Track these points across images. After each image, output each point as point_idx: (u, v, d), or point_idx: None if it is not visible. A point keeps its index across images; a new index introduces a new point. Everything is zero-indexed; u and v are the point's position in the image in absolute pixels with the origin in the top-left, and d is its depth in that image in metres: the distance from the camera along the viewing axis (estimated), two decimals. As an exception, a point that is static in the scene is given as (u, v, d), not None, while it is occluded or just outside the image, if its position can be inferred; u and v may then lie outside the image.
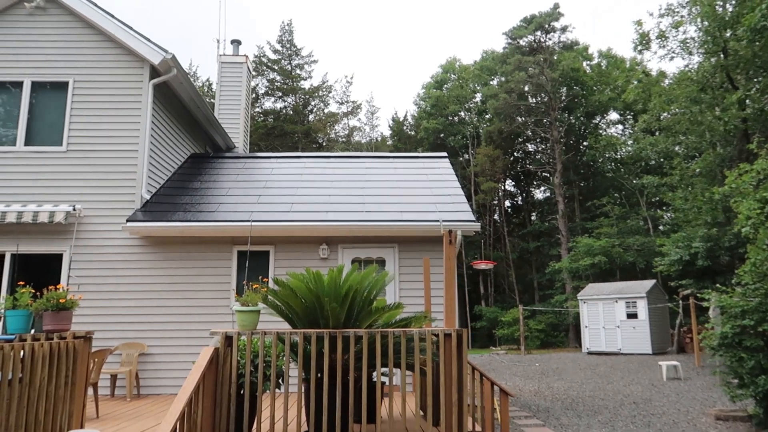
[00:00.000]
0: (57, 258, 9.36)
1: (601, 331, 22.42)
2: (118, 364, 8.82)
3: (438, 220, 9.22)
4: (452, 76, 43.69)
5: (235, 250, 9.43)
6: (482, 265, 17.21)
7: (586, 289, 24.59)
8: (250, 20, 62.03)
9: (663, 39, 19.69)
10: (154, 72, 10.05)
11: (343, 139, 42.04)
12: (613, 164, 37.65)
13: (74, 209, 9.19)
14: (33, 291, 5.20)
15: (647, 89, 20.90)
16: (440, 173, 12.09)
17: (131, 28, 9.94)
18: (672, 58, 20.02)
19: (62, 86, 9.94)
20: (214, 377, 4.73)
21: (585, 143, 38.47)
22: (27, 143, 9.71)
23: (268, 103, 39.65)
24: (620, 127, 40.55)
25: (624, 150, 36.69)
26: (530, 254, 37.80)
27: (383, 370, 4.96)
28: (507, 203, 42.76)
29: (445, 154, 13.58)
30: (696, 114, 18.95)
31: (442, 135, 40.77)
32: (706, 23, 17.92)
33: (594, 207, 35.32)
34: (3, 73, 9.94)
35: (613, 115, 40.34)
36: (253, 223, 8.99)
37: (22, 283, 5.56)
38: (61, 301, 4.94)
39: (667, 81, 22.39)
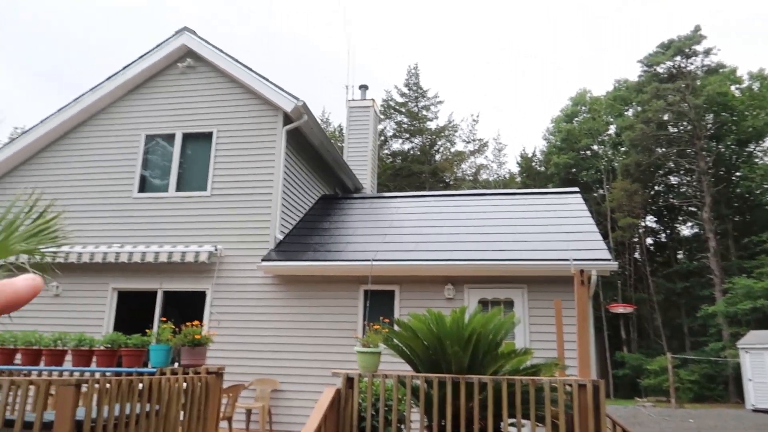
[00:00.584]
0: (201, 295, 10.04)
1: (770, 385, 19.60)
2: (253, 399, 9.14)
3: (568, 259, 8.63)
4: (583, 108, 42.01)
5: (361, 289, 9.51)
6: (620, 309, 15.92)
7: (747, 336, 21.78)
8: (379, 66, 64.71)
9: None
10: (287, 119, 10.65)
11: (470, 178, 41.80)
12: (774, 196, 33.60)
13: (216, 249, 9.85)
14: (174, 327, 5.53)
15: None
16: (571, 209, 11.43)
17: (266, 79, 10.66)
18: None
19: (207, 136, 10.85)
20: (335, 419, 4.67)
21: (738, 173, 34.81)
22: (178, 189, 10.66)
23: (396, 145, 40.68)
24: (782, 154, 36.21)
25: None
26: (677, 296, 34.45)
27: (511, 421, 4.59)
28: (649, 240, 39.61)
29: (576, 189, 12.87)
30: None
31: (573, 170, 39.08)
32: None
33: (752, 244, 31.53)
34: (159, 128, 11.08)
35: (772, 142, 36.18)
36: (377, 263, 9.03)
37: (164, 319, 5.96)
38: (196, 337, 5.20)
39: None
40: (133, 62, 11.35)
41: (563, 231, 10.15)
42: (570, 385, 4.71)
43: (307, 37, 73.35)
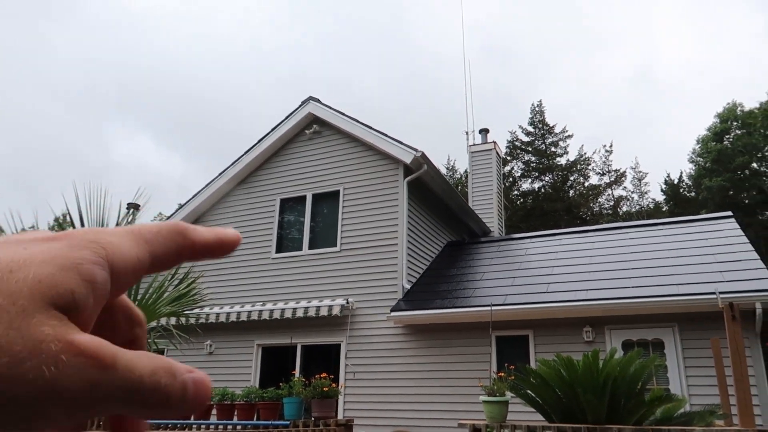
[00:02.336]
0: (336, 348, 10.34)
1: None
2: (391, 452, 9.08)
3: (714, 292, 7.70)
4: (734, 124, 38.18)
5: (494, 335, 9.21)
6: None
7: None
8: (501, 111, 64.39)
9: None
10: (408, 170, 10.88)
11: (609, 212, 39.39)
12: None
13: (347, 302, 10.16)
14: (305, 380, 5.73)
15: None
16: (725, 236, 10.27)
17: (385, 134, 11.05)
18: None
19: (334, 195, 11.40)
20: (464, 473, 4.48)
21: None
22: (310, 247, 11.24)
23: (526, 185, 39.70)
24: None
25: None
26: None
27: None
28: (837, 265, 34.22)
29: (729, 213, 11.60)
30: None
31: (730, 192, 35.30)
32: None
33: None
34: (292, 191, 11.86)
35: None
36: (505, 307, 8.73)
37: (294, 372, 6.20)
38: (324, 389, 5.33)
39: None
40: (267, 134, 12.38)
41: (716, 261, 9.13)
42: (730, 437, 4.13)
43: (433, 81, 75.32)
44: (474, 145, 15.50)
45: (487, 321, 9.11)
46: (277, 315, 10.40)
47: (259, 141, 12.40)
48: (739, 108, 39.17)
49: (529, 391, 4.84)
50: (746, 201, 34.90)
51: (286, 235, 11.73)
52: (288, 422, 5.33)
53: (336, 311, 10.01)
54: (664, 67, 65.01)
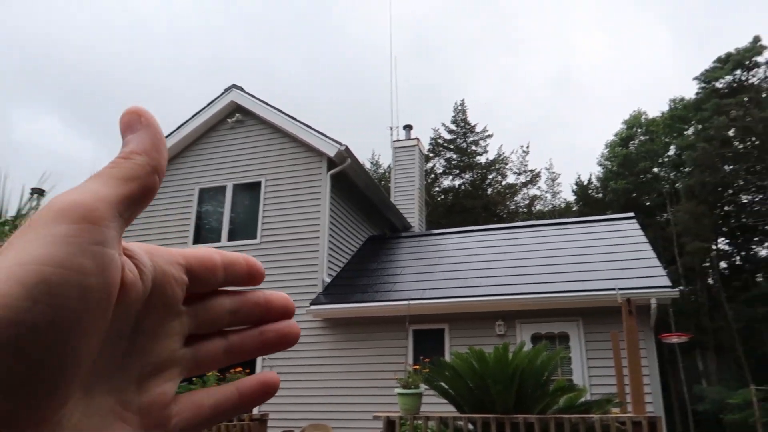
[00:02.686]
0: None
1: None
2: (307, 445, 9.08)
3: (614, 289, 8.25)
4: (638, 130, 40.84)
5: (411, 329, 9.40)
6: (674, 339, 14.94)
7: (842, 363, 19.99)
8: (425, 107, 65.46)
9: None
10: (331, 163, 10.86)
11: (524, 210, 41.08)
12: None
13: (266, 295, 10.01)
14: (219, 374, 5.61)
15: None
16: (628, 236, 11.00)
17: (310, 127, 10.97)
18: None
19: (256, 186, 11.20)
20: (378, 464, 4.57)
21: (817, 187, 32.68)
22: (230, 239, 10.98)
23: (447, 182, 40.62)
24: None
25: None
26: (759, 322, 32.19)
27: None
28: (723, 264, 37.46)
29: (632, 214, 12.42)
30: None
31: (633, 195, 37.76)
32: None
33: (840, 262, 29.27)
34: (212, 180, 11.53)
35: None
36: (425, 301, 8.93)
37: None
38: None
39: None
40: (186, 121, 11.96)
41: (619, 259, 9.76)
42: (623, 423, 4.45)
43: (361, 74, 75.32)
44: (398, 140, 15.68)
45: (404, 315, 9.29)
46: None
47: (178, 128, 11.96)
48: (643, 116, 41.95)
49: (442, 383, 4.99)
50: (647, 203, 37.48)
51: (204, 226, 11.41)
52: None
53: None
54: (580, 72, 68.47)
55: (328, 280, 10.17)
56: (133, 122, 0.28)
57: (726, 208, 36.95)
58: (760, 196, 34.95)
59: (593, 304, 8.53)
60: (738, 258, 38.11)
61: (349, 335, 9.63)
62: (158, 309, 0.28)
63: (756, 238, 36.59)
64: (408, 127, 16.00)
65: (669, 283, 8.42)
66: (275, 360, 9.75)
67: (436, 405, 6.77)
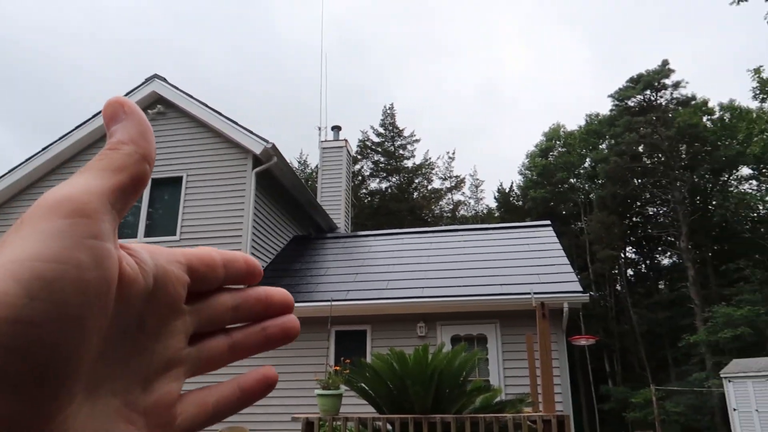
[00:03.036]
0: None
1: (755, 414, 19.46)
2: (222, 449, 8.84)
3: (530, 293, 8.61)
4: (557, 142, 42.80)
5: (333, 330, 9.37)
6: (582, 341, 15.80)
7: (730, 365, 21.73)
8: (354, 108, 65.63)
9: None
10: (257, 161, 10.66)
11: (448, 215, 42.04)
12: (749, 223, 34.15)
13: (184, 294, 9.67)
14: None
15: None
16: (544, 242, 11.48)
17: (236, 123, 10.72)
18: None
19: (177, 181, 10.81)
20: (294, 467, 4.52)
21: (714, 202, 35.46)
22: (146, 235, 10.53)
23: (374, 184, 40.91)
24: (754, 182, 37.00)
25: (762, 207, 33.26)
26: (660, 326, 34.49)
27: (474, 461, 4.48)
28: (629, 272, 39.86)
29: (548, 222, 12.97)
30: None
31: (551, 203, 39.50)
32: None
33: (730, 271, 31.87)
34: (128, 173, 11.00)
35: (745, 170, 36.98)
36: (348, 302, 8.93)
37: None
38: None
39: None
40: (101, 111, 11.34)
41: (535, 264, 10.16)
42: (534, 422, 4.63)
43: (290, 80, 74.39)
44: (326, 141, 15.61)
45: (327, 316, 9.25)
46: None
47: (94, 116, 11.35)
48: (561, 129, 43.99)
49: (362, 384, 5.00)
50: (563, 212, 39.31)
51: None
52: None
53: (171, 303, 9.49)
54: (506, 83, 70.86)
55: (250, 279, 9.94)
56: (117, 112, 0.28)
57: (634, 219, 39.38)
58: (664, 209, 37.50)
59: (510, 307, 8.83)
60: (643, 266, 40.70)
61: (269, 336, 9.46)
62: (161, 308, 0.27)
63: (659, 248, 39.22)
64: (336, 128, 15.97)
65: (580, 289, 8.86)
66: (192, 361, 9.42)
67: (355, 406, 6.79)
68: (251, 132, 10.59)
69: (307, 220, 13.64)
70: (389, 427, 4.72)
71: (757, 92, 18.32)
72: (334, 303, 8.96)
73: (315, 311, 9.11)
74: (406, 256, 11.22)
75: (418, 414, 4.65)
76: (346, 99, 64.43)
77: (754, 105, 18.75)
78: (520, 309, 8.82)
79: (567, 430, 4.57)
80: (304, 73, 73.07)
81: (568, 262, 10.22)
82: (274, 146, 10.46)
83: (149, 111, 11.42)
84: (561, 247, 11.12)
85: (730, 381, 20.52)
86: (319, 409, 4.87)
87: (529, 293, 8.74)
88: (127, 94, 11.38)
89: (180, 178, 10.80)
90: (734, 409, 20.25)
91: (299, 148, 52.39)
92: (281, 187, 11.84)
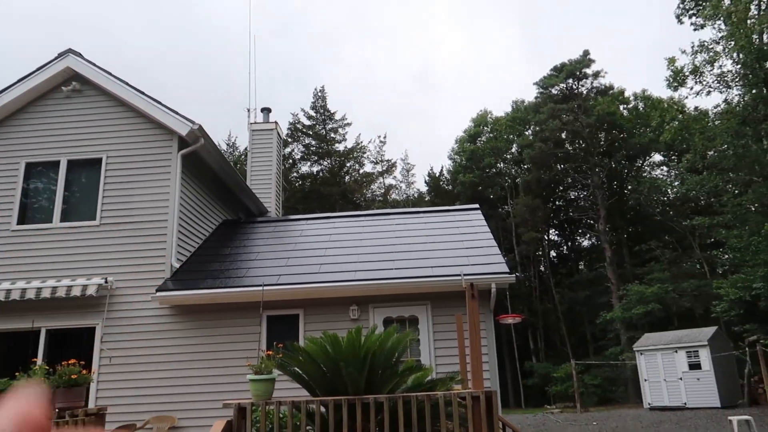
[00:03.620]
0: (90, 331, 9.37)
1: (663, 384, 20.97)
2: (149, 439, 8.59)
3: (459, 274, 8.84)
4: (485, 128, 43.83)
5: (265, 315, 9.25)
6: (509, 320, 16.44)
7: (641, 339, 23.26)
8: (284, 90, 64.46)
9: (698, 75, 19.22)
10: (183, 143, 10.28)
11: (380, 198, 42.28)
12: (660, 206, 36.41)
13: (106, 282, 9.26)
14: (48, 367, 5.09)
15: (686, 127, 20.28)
16: (473, 225, 11.77)
17: (160, 103, 10.27)
18: (709, 93, 19.43)
19: (96, 162, 10.26)
20: (226, 453, 4.45)
21: (629, 187, 37.53)
22: (63, 219, 9.96)
23: (305, 167, 40.49)
24: (665, 168, 39.43)
25: (671, 191, 35.54)
26: (580, 305, 36.36)
27: (407, 439, 4.56)
28: (552, 253, 41.65)
29: (477, 205, 13.29)
30: (741, 148, 18.21)
31: (479, 188, 40.52)
32: (741, 56, 17.44)
33: (643, 252, 33.96)
34: (41, 155, 10.34)
35: (657, 157, 39.33)
36: (280, 287, 8.84)
37: (35, 360, 5.49)
38: (73, 377, 4.81)
39: (707, 118, 21.71)
40: (10, 86, 10.57)
41: (464, 247, 10.41)
42: (464, 398, 4.77)
43: (216, 58, 71.92)
44: (255, 123, 15.25)
45: (259, 301, 9.11)
46: (16, 296, 9.03)
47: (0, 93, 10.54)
48: (489, 115, 45.04)
49: (296, 368, 4.98)
50: (491, 196, 40.42)
51: (31, 205, 10.21)
52: (24, 417, 4.69)
53: (91, 291, 9.06)
54: (437, 68, 71.57)
55: (177, 265, 9.64)
56: None
57: (557, 202, 41.07)
58: (584, 193, 39.31)
59: (441, 289, 9.02)
60: (565, 248, 42.64)
61: (199, 322, 9.23)
62: None
63: (580, 231, 41.17)
64: (266, 110, 15.62)
65: (507, 270, 9.16)
66: (116, 351, 9.06)
67: (289, 390, 6.76)
68: (176, 112, 10.18)
69: (236, 204, 13.33)
70: (323, 409, 4.73)
71: (671, 81, 19.42)
72: (265, 288, 8.83)
73: (247, 296, 8.96)
74: (338, 240, 11.21)
75: (351, 396, 4.68)
76: (277, 80, 63.11)
77: (669, 93, 20.01)
78: (450, 290, 9.03)
79: (494, 405, 4.75)
80: (231, 50, 70.88)
81: (496, 245, 10.54)
82: (201, 127, 10.11)
83: (63, 88, 10.74)
84: (489, 230, 11.44)
85: (641, 354, 21.97)
86: (251, 394, 4.81)
87: (459, 275, 8.95)
88: (38, 70, 10.64)
89: (99, 160, 10.26)
90: (645, 380, 21.72)
91: (227, 129, 50.92)
92: (209, 169, 11.49)
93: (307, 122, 40.44)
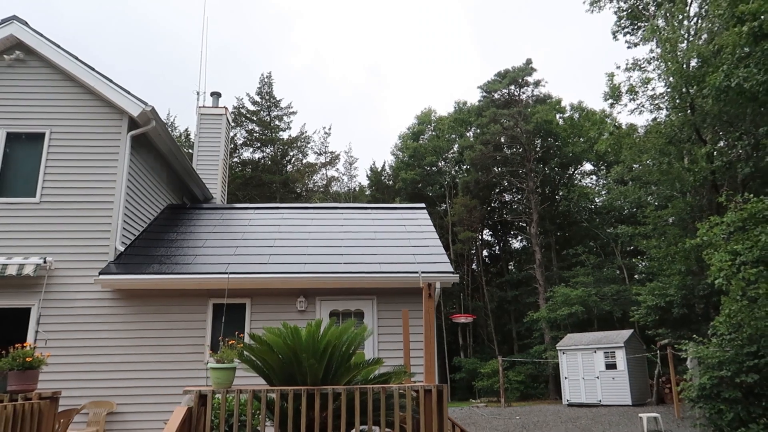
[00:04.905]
0: (25, 312, 9.06)
1: (581, 382, 22.26)
2: (85, 424, 8.44)
3: (417, 272, 9.19)
4: (428, 126, 44.56)
5: (210, 303, 9.25)
6: (462, 319, 17.09)
7: (564, 339, 24.54)
8: (230, 73, 62.99)
9: (633, 93, 20.42)
10: (133, 124, 10.06)
11: (322, 189, 42.23)
12: (587, 214, 38.32)
13: (45, 262, 8.97)
14: (-2, 349, 5.00)
15: (618, 141, 21.52)
16: (418, 224, 12.15)
17: (111, 81, 10.00)
18: (641, 112, 20.69)
19: (38, 137, 9.88)
20: (186, 439, 4.55)
21: (560, 193, 39.23)
22: (0, 195, 9.54)
23: (247, 154, 39.84)
24: (594, 177, 41.49)
25: (598, 200, 37.47)
26: (508, 304, 37.78)
27: (362, 428, 4.82)
28: (485, 253, 42.96)
29: (423, 205, 13.68)
30: (665, 165, 19.53)
31: (420, 185, 41.22)
32: (672, 80, 18.67)
33: (570, 256, 35.67)
34: (-22, 124, 9.84)
35: (587, 166, 41.32)
36: (230, 276, 8.87)
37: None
38: (27, 359, 4.75)
39: (637, 133, 23.11)
40: (-55, 49, 9.98)
41: (410, 245, 10.75)
42: (417, 391, 5.07)
43: (163, 33, 69.23)
44: (204, 107, 15.01)
45: (206, 289, 9.10)
46: (-55, 272, 8.60)
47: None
48: (433, 113, 45.82)
49: (255, 358, 5.12)
50: (431, 194, 41.20)
51: (-35, 177, 9.71)
52: (-27, 398, 4.59)
53: (28, 270, 8.75)
54: (386, 63, 71.84)
55: (122, 248, 9.46)
56: None
57: (493, 204, 42.36)
58: (519, 197, 40.76)
59: (386, 284, 9.32)
60: (497, 248, 44.06)
61: (142, 307, 9.11)
62: None
63: (512, 232, 42.66)
64: (216, 95, 15.40)
65: (451, 269, 9.57)
66: (53, 333, 8.81)
67: (244, 379, 6.86)
68: (128, 92, 9.95)
69: (181, 189, 13.12)
70: (282, 398, 4.90)
71: (608, 96, 20.55)
72: (219, 275, 8.84)
73: (195, 283, 8.94)
74: (286, 231, 11.30)
75: (310, 386, 4.88)
76: (223, 63, 61.51)
77: (603, 105, 21.13)
78: (396, 287, 9.35)
79: (444, 399, 5.07)
80: (172, 27, 68.43)
81: (440, 244, 10.95)
82: (153, 109, 9.93)
83: (5, 56, 10.25)
84: (434, 229, 11.85)
85: (563, 353, 23.21)
86: (212, 382, 4.90)
87: (405, 272, 9.28)
88: (-23, 34, 10.09)
89: (42, 135, 9.88)
90: (565, 377, 22.97)
91: (165, 110, 49.24)
92: (157, 152, 11.28)
93: (252, 108, 39.79)
